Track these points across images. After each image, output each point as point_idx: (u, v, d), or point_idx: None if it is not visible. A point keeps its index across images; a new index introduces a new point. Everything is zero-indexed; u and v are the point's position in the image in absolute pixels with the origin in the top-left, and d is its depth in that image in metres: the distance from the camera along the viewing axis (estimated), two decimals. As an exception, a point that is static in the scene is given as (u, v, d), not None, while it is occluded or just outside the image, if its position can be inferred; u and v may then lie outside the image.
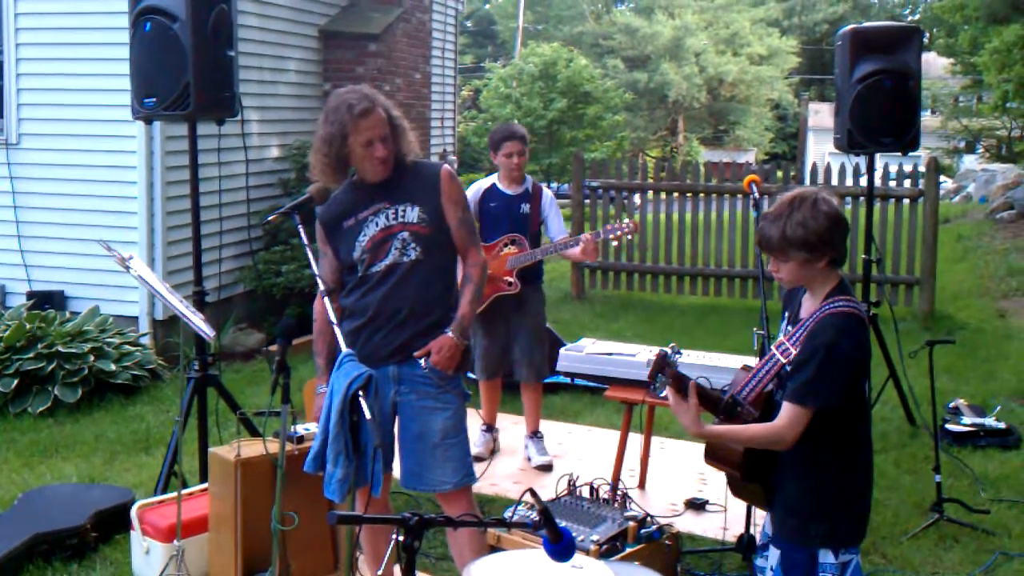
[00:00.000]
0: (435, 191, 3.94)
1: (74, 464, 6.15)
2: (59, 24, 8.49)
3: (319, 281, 3.81)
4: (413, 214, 3.90)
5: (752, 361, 4.86)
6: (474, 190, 6.16)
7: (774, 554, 3.24)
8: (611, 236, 5.89)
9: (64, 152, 8.56)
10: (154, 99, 5.22)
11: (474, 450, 6.01)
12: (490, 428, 6.38)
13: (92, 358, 7.32)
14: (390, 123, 3.85)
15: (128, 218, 8.32)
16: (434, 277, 3.93)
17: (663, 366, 3.04)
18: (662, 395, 3.07)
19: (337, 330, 3.67)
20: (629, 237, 5.92)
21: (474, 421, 6.22)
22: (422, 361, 3.86)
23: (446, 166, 4.03)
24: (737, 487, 3.38)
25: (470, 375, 6.42)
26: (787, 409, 3.06)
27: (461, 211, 3.99)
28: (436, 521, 2.45)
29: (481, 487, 5.40)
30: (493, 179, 6.20)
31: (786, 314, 3.34)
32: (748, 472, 3.22)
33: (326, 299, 3.72)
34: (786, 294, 3.37)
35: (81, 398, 7.15)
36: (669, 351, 3.07)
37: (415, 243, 3.88)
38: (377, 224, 3.89)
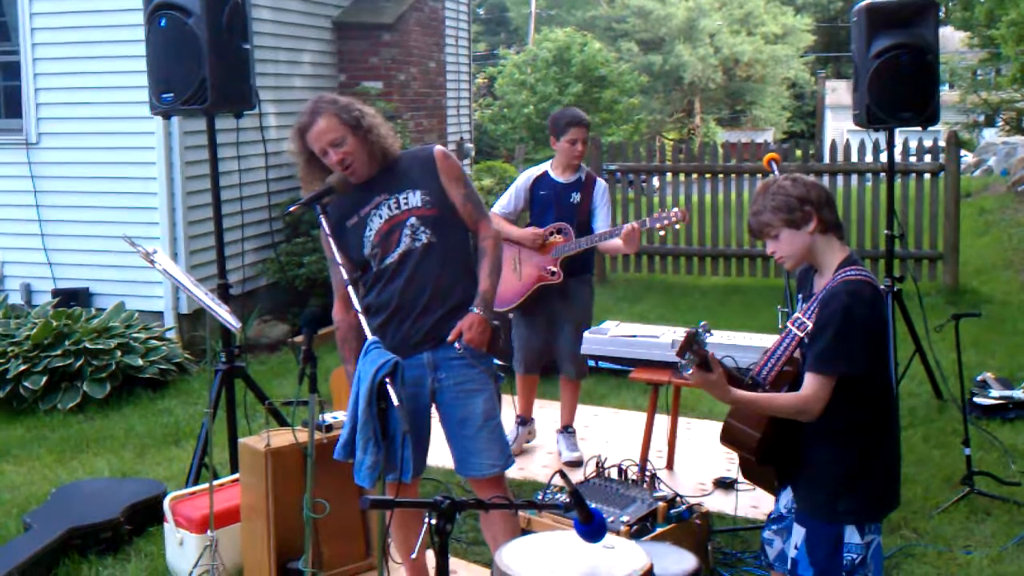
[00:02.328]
0: (432, 172, 3.93)
1: (105, 459, 6.20)
2: (75, 23, 8.53)
3: (341, 271, 3.75)
4: (416, 198, 3.89)
5: (776, 339, 4.87)
6: (525, 177, 6.05)
7: (798, 532, 3.22)
8: (657, 225, 5.62)
9: (84, 150, 8.61)
10: (171, 94, 5.25)
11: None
12: (524, 421, 6.25)
13: (119, 353, 7.38)
14: (346, 125, 3.82)
15: (150, 213, 8.37)
16: (450, 257, 3.91)
17: (692, 344, 3.03)
18: (688, 373, 3.06)
19: (362, 318, 3.66)
20: (677, 227, 5.70)
21: (508, 411, 6.21)
22: (456, 343, 3.85)
23: (438, 147, 4.02)
24: (749, 469, 3.38)
25: (496, 362, 6.39)
26: (809, 379, 3.06)
27: (463, 187, 3.97)
28: (467, 504, 2.47)
29: (510, 471, 5.40)
30: (546, 166, 6.03)
31: (800, 295, 3.34)
32: (763, 455, 3.22)
33: (349, 288, 3.70)
34: (799, 276, 3.37)
35: (110, 393, 7.21)
36: (700, 330, 3.05)
37: (424, 226, 3.87)
38: (381, 216, 3.89)
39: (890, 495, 3.24)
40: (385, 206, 3.89)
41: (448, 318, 3.87)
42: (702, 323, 3.09)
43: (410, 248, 3.87)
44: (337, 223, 3.88)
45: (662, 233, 5.81)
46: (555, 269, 5.82)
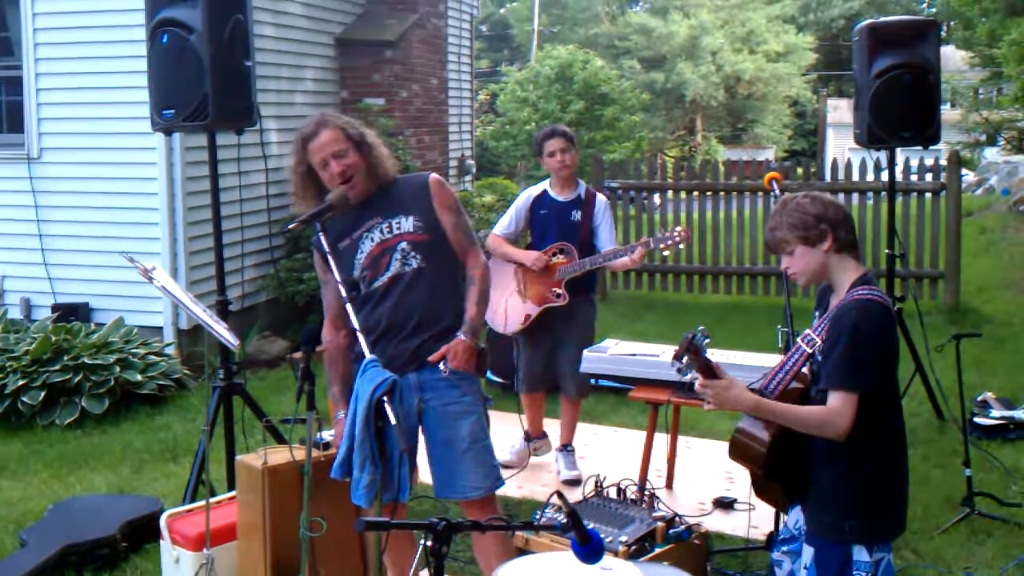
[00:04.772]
0: (426, 199, 3.94)
1: (103, 474, 6.18)
2: (77, 39, 8.54)
3: (340, 289, 3.73)
4: (408, 224, 3.90)
5: (776, 359, 4.85)
6: (525, 197, 6.04)
7: (807, 552, 3.21)
8: (662, 246, 5.67)
9: (85, 165, 8.62)
10: (173, 110, 5.26)
11: (507, 457, 5.99)
12: (530, 438, 6.24)
13: (118, 369, 7.37)
14: (350, 139, 3.85)
15: (150, 229, 8.37)
16: (439, 283, 3.92)
17: (689, 348, 3.01)
18: (686, 378, 3.05)
19: (360, 336, 3.65)
20: (681, 246, 5.75)
21: (515, 429, 6.19)
22: (440, 365, 3.85)
23: (434, 174, 4.05)
24: (760, 487, 3.37)
25: (490, 375, 6.37)
26: (832, 396, 3.05)
27: (455, 216, 3.99)
28: (463, 526, 2.45)
29: (508, 490, 5.39)
30: (544, 185, 6.02)
31: (816, 313, 3.33)
32: (770, 470, 3.21)
33: (348, 306, 3.69)
34: (819, 293, 3.37)
35: (108, 409, 7.19)
36: (698, 334, 3.04)
37: (415, 251, 3.88)
38: (372, 240, 3.90)
39: (896, 517, 3.21)
40: (377, 230, 3.90)
41: (434, 342, 3.87)
42: (700, 328, 3.07)
43: (400, 272, 3.87)
44: (330, 245, 3.86)
45: (666, 253, 5.82)
46: (561, 291, 5.83)
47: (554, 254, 5.87)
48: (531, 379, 6.08)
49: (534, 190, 6.07)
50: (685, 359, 3.02)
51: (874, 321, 3.06)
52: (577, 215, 5.90)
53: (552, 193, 5.97)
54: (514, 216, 6.00)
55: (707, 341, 3.08)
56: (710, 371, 3.07)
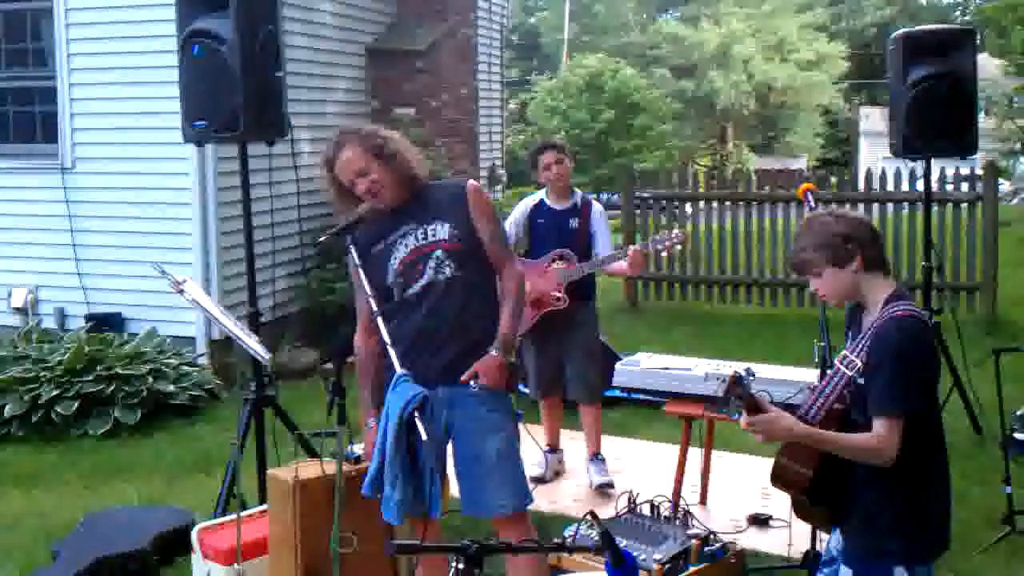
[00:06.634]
0: (463, 206, 3.89)
1: (135, 485, 6.19)
2: (111, 49, 8.59)
3: (370, 303, 3.71)
4: (444, 231, 3.85)
5: (813, 373, 4.78)
6: (522, 207, 6.09)
7: (846, 573, 3.15)
8: (659, 247, 5.80)
9: (119, 175, 8.65)
10: (204, 122, 5.26)
11: (537, 471, 5.96)
12: (553, 450, 6.24)
13: (151, 379, 7.39)
14: (370, 153, 3.81)
15: (183, 239, 8.39)
16: (473, 293, 3.87)
17: (735, 390, 2.96)
18: (735, 418, 2.99)
19: (391, 351, 3.62)
20: (679, 247, 5.81)
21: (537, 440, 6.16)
22: (471, 382, 3.79)
23: (472, 181, 3.99)
24: (801, 509, 3.31)
25: (522, 388, 6.35)
26: (877, 423, 2.99)
27: (492, 224, 3.94)
28: (495, 548, 2.41)
29: (541, 505, 5.34)
30: (541, 195, 6.08)
31: (848, 332, 3.27)
32: (815, 496, 3.15)
33: (379, 320, 3.66)
34: (848, 313, 3.31)
35: (141, 419, 7.22)
36: (743, 373, 2.99)
37: (449, 260, 3.82)
38: (407, 246, 3.85)
39: (940, 536, 3.16)
40: (412, 236, 3.85)
41: (465, 355, 3.80)
42: (746, 367, 3.03)
43: (433, 280, 3.82)
44: (364, 249, 3.85)
45: (664, 255, 5.92)
46: (560, 295, 5.86)
47: (554, 260, 5.92)
48: (543, 383, 6.11)
49: (531, 199, 6.13)
50: (733, 401, 2.96)
51: (916, 342, 3.00)
52: (575, 223, 5.98)
53: (549, 202, 6.04)
54: (512, 226, 6.03)
55: (752, 380, 3.03)
56: (754, 406, 3.00)
